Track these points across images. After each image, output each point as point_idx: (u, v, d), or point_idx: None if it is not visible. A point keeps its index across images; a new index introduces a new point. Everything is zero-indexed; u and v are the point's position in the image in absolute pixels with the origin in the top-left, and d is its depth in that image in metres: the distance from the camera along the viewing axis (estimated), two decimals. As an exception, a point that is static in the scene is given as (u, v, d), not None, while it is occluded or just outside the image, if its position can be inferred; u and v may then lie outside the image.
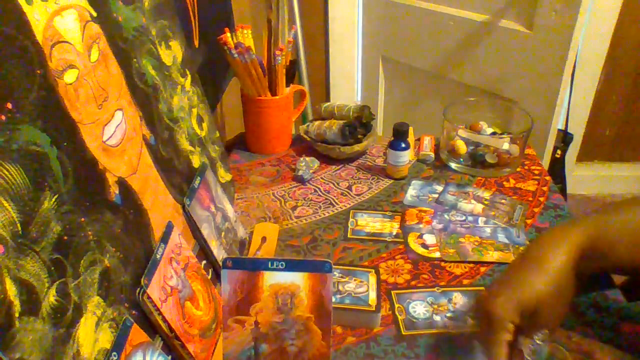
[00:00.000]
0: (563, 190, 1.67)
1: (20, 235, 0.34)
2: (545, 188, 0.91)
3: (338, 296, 0.65)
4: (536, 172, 0.96)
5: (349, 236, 0.80)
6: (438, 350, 0.60)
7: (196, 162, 0.70)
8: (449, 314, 0.65)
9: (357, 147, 0.97)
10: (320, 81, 2.04)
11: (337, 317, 0.63)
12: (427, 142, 1.03)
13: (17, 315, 0.33)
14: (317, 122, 1.01)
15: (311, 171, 0.95)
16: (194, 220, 0.62)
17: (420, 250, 0.77)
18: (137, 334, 0.45)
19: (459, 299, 0.67)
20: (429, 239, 0.79)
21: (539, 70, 1.34)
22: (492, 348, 0.50)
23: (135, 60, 0.57)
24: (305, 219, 0.84)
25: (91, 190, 0.44)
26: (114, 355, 0.42)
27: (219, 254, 0.66)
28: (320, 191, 0.91)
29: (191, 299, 0.55)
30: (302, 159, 0.97)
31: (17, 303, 0.33)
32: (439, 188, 0.91)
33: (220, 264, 0.52)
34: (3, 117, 0.35)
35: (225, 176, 0.83)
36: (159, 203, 0.56)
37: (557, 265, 0.52)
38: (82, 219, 0.42)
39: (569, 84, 1.38)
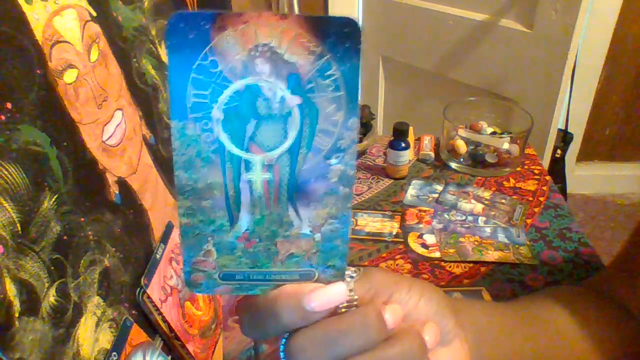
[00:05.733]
0: (563, 190, 1.67)
1: (20, 235, 0.34)
2: (545, 188, 0.91)
3: (338, 296, 0.65)
4: (536, 171, 0.96)
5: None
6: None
7: (196, 162, 0.69)
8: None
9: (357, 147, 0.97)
10: (320, 81, 2.04)
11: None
12: (427, 141, 1.03)
13: (17, 315, 0.33)
14: (317, 122, 1.01)
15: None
16: (194, 220, 0.62)
17: (420, 250, 0.77)
18: (137, 334, 0.45)
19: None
20: (429, 238, 0.79)
21: (539, 70, 1.34)
22: None
23: (135, 60, 0.57)
24: (305, 218, 0.84)
25: (91, 190, 0.44)
26: (114, 355, 0.42)
27: (219, 253, 0.66)
28: (320, 191, 0.91)
29: (191, 299, 0.55)
30: (302, 158, 0.97)
31: (16, 303, 0.33)
32: (439, 188, 0.91)
33: (220, 264, 0.52)
34: (3, 117, 0.35)
35: (225, 176, 0.83)
36: (159, 203, 0.56)
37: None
38: (82, 219, 0.42)
39: (569, 84, 1.38)
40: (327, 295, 0.27)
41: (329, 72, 0.23)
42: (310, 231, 0.26)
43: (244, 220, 0.26)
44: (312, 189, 0.25)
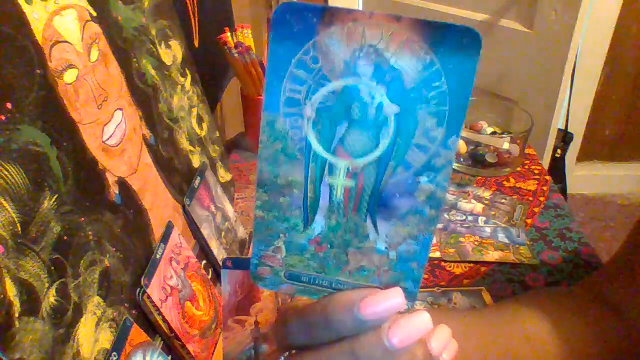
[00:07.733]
0: (563, 190, 1.67)
1: (20, 235, 0.34)
2: (545, 188, 0.91)
3: (338, 296, 0.65)
4: (536, 171, 0.96)
5: (349, 236, 0.80)
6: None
7: (196, 162, 0.70)
8: (449, 314, 0.65)
9: (357, 147, 0.97)
10: (320, 81, 2.04)
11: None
12: (427, 142, 1.03)
13: (17, 315, 0.33)
14: (317, 122, 1.01)
15: (311, 171, 0.95)
16: (194, 220, 0.62)
17: (420, 250, 0.77)
18: (137, 334, 0.45)
19: (459, 299, 0.67)
20: (429, 238, 0.79)
21: (539, 70, 1.34)
22: None
23: (135, 60, 0.57)
24: (305, 218, 0.84)
25: (91, 190, 0.44)
26: (114, 355, 0.42)
27: (219, 254, 0.66)
28: (320, 191, 0.91)
29: (191, 299, 0.55)
30: (302, 158, 0.97)
31: (17, 303, 0.33)
32: (439, 188, 0.91)
33: (220, 264, 0.52)
34: (3, 117, 0.35)
35: (225, 176, 0.83)
36: (159, 203, 0.56)
37: None
38: (82, 219, 0.42)
39: (569, 84, 1.38)
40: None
41: (436, 84, 0.21)
42: (386, 248, 0.25)
43: (319, 224, 0.25)
44: (396, 205, 0.24)
